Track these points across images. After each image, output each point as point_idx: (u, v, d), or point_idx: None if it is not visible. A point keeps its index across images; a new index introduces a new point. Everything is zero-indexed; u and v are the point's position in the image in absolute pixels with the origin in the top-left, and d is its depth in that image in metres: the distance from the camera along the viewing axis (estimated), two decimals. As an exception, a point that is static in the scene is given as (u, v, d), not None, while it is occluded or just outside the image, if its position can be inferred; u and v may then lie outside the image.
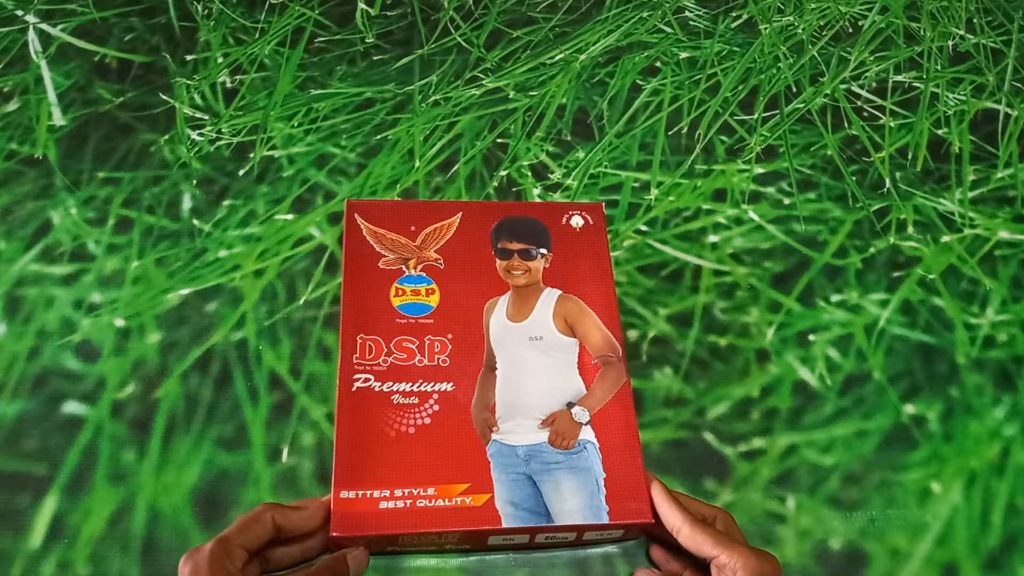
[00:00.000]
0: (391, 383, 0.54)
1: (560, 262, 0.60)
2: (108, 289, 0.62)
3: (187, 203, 0.67)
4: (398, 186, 0.69)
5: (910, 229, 0.71)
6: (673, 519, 0.49)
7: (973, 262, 0.70)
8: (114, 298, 0.62)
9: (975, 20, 0.88)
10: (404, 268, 0.59)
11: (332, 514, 0.49)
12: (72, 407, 0.57)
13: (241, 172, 0.69)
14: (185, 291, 0.62)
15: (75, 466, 0.54)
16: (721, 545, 0.47)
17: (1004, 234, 0.71)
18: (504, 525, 0.50)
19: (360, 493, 0.50)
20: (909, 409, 0.62)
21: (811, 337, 0.64)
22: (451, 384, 0.54)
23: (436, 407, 0.53)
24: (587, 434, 0.53)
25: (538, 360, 0.56)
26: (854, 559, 0.55)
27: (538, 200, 0.69)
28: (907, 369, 0.64)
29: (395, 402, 0.53)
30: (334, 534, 0.48)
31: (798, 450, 0.59)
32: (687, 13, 0.85)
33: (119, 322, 0.61)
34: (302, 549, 0.49)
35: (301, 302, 0.62)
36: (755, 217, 0.70)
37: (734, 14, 0.85)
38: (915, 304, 0.67)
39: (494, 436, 0.53)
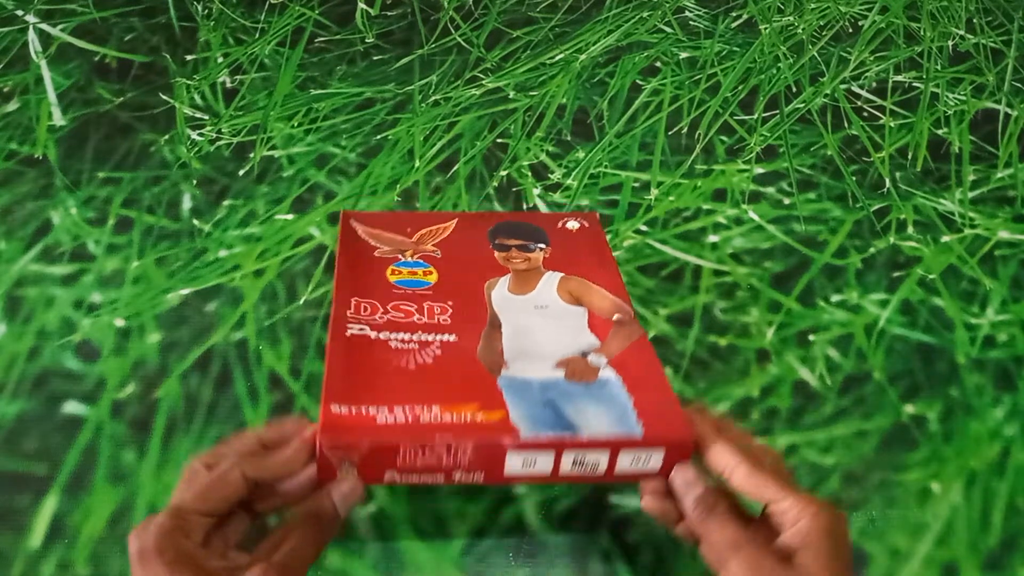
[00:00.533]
0: (388, 332, 0.49)
1: (560, 253, 0.59)
2: (108, 289, 0.62)
3: (187, 203, 0.67)
4: (398, 186, 0.69)
5: (910, 229, 0.71)
6: (726, 457, 0.41)
7: (973, 262, 0.69)
8: (114, 298, 0.62)
9: (975, 20, 0.88)
10: (400, 256, 0.58)
11: (320, 425, 0.41)
12: (72, 407, 0.57)
13: (241, 172, 0.69)
14: (185, 291, 0.62)
15: (75, 466, 0.54)
16: (787, 490, 0.39)
17: (1004, 234, 0.71)
18: (523, 436, 0.42)
19: (354, 409, 0.43)
20: (909, 409, 0.62)
21: (811, 337, 0.64)
22: (454, 336, 0.50)
23: (439, 351, 0.48)
24: (607, 373, 0.48)
25: (545, 322, 0.53)
26: (854, 559, 0.55)
27: (538, 200, 0.69)
28: (907, 369, 0.64)
29: (393, 347, 0.48)
30: (322, 447, 0.41)
31: (798, 450, 0.59)
32: (687, 13, 0.85)
33: (119, 322, 0.60)
34: (283, 498, 0.41)
35: (301, 302, 0.62)
36: (755, 217, 0.70)
37: (734, 14, 0.85)
38: (915, 304, 0.67)
39: (505, 372, 0.48)
